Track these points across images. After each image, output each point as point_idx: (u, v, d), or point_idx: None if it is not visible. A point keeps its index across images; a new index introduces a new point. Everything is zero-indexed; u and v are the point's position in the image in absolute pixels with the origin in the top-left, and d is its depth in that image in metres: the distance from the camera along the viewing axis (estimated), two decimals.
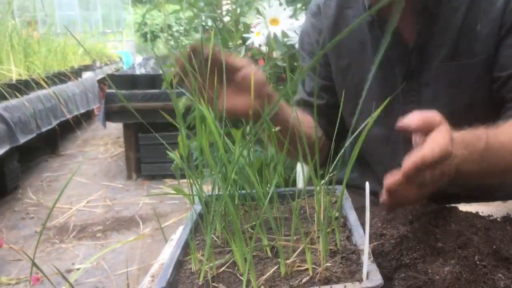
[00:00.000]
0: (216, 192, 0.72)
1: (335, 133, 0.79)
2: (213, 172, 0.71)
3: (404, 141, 1.04)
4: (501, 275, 0.59)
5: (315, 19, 1.15)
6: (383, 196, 0.75)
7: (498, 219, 0.79)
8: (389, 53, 1.05)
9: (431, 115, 0.75)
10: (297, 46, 1.27)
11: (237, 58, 0.85)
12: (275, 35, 1.20)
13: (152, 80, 4.28)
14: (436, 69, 1.02)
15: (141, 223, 3.30)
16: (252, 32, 1.34)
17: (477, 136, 0.80)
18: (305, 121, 1.01)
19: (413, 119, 0.74)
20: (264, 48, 1.53)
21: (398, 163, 1.06)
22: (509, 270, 0.61)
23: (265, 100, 0.79)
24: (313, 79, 1.17)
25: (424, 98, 1.04)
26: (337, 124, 0.77)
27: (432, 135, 0.73)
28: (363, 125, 0.68)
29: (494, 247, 0.65)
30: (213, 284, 0.63)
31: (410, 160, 0.70)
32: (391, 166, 1.07)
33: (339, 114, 0.81)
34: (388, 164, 1.08)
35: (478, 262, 0.61)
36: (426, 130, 0.73)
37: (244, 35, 1.53)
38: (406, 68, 1.04)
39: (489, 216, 0.80)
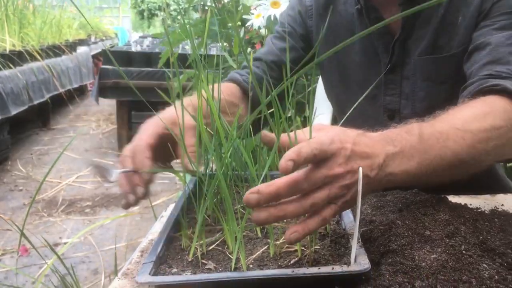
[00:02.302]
0: (209, 171, 0.72)
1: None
2: (202, 153, 0.71)
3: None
4: (485, 265, 0.60)
5: None
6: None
7: (486, 212, 0.80)
8: (374, 43, 1.05)
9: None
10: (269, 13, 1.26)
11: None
12: (275, 17, 1.19)
13: (148, 58, 4.24)
14: (415, 63, 1.02)
15: None
16: (252, 14, 1.34)
17: (407, 130, 0.69)
18: (225, 92, 0.91)
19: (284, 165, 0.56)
20: (263, 31, 1.52)
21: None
22: (494, 261, 0.62)
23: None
24: (273, 51, 1.13)
25: (404, 91, 1.05)
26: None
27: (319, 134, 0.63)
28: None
29: (481, 237, 0.66)
30: (203, 261, 0.64)
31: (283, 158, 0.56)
32: None
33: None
34: None
35: (464, 252, 0.62)
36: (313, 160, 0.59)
37: (244, 16, 1.52)
38: (389, 59, 1.04)
39: (477, 208, 0.81)
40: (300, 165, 0.56)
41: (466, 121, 0.73)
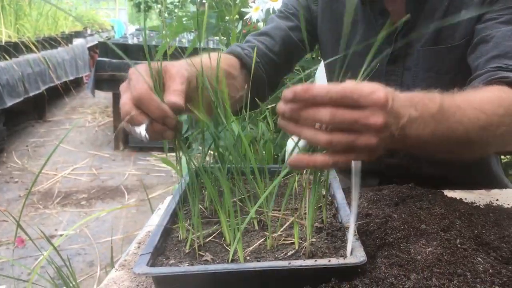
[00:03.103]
0: (206, 164, 0.72)
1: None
2: (200, 145, 0.72)
3: None
4: (480, 259, 0.61)
5: None
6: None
7: (481, 206, 0.81)
8: (378, 34, 1.05)
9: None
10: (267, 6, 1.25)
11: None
12: (274, 10, 1.19)
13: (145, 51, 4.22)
14: (417, 53, 1.03)
15: (126, 193, 3.30)
16: (250, 7, 1.33)
17: (430, 97, 0.69)
18: (224, 62, 0.91)
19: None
20: (261, 24, 1.51)
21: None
22: (488, 255, 0.63)
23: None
24: (281, 26, 1.12)
25: (405, 82, 1.06)
26: None
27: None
28: None
29: (476, 232, 0.67)
30: (200, 252, 0.64)
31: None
32: None
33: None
34: None
35: (459, 245, 0.63)
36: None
37: (242, 9, 1.52)
38: (392, 50, 1.05)
39: (472, 203, 0.82)
40: (323, 99, 0.55)
41: (482, 102, 0.74)
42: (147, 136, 0.65)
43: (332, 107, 0.54)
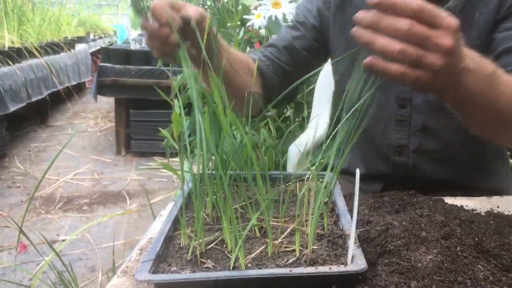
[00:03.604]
0: (207, 171, 0.73)
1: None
2: (201, 152, 0.72)
3: (396, 120, 1.06)
4: (480, 267, 0.61)
5: None
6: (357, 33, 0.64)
7: (482, 213, 0.81)
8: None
9: None
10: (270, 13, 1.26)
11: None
12: (276, 17, 1.20)
13: (147, 56, 4.24)
14: None
15: (128, 198, 3.31)
16: (252, 14, 1.34)
17: (486, 60, 0.74)
18: (241, 63, 1.00)
19: None
20: (263, 31, 1.52)
21: (388, 143, 1.08)
22: (489, 262, 0.63)
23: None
24: (285, 37, 1.15)
25: None
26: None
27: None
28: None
29: (476, 239, 0.67)
30: (201, 259, 0.65)
31: None
32: (382, 146, 1.10)
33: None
34: (380, 144, 1.10)
35: (459, 253, 0.63)
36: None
37: (244, 16, 1.53)
38: None
39: (473, 210, 0.82)
40: (405, 9, 0.59)
41: None
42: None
43: (410, 19, 0.59)
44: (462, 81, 0.67)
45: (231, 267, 0.61)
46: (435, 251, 0.63)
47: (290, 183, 0.83)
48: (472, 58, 0.69)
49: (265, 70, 1.07)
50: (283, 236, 0.68)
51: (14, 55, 4.10)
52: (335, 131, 0.80)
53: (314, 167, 0.78)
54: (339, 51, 1.15)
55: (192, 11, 0.77)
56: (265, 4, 1.20)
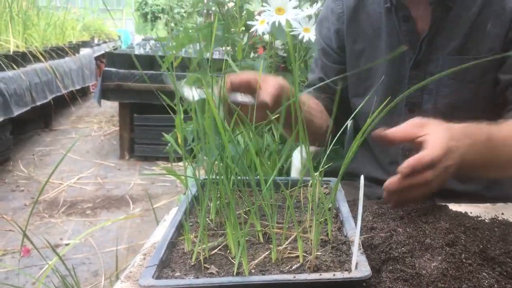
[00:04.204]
0: (211, 176, 0.73)
1: (334, 114, 0.81)
2: (205, 157, 0.72)
3: None
4: (485, 274, 0.61)
5: (334, 4, 1.19)
6: (384, 195, 0.79)
7: (486, 220, 0.80)
8: (401, 39, 1.08)
9: (411, 129, 0.80)
10: (300, 36, 1.29)
11: (267, 81, 0.87)
12: (279, 24, 1.20)
13: (151, 61, 4.25)
14: (443, 61, 1.05)
15: (131, 203, 3.31)
16: (256, 20, 1.35)
17: (480, 128, 0.84)
18: (315, 108, 1.11)
19: (396, 133, 0.80)
20: (267, 37, 1.52)
21: (401, 148, 1.09)
22: (494, 270, 0.62)
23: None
24: (325, 65, 1.22)
25: (429, 86, 1.07)
26: (336, 104, 0.75)
27: (429, 137, 0.76)
28: (368, 123, 0.69)
29: (481, 246, 0.67)
30: (205, 265, 0.65)
31: (406, 162, 0.74)
32: (394, 152, 1.10)
33: (340, 99, 0.86)
34: (387, 148, 1.11)
35: (464, 260, 0.62)
36: (409, 140, 0.80)
37: (248, 22, 1.53)
38: (415, 57, 1.07)
39: (477, 217, 0.82)
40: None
41: None
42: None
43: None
44: (463, 160, 0.78)
45: (234, 273, 0.61)
46: (439, 258, 0.62)
47: (294, 188, 0.83)
48: (467, 133, 0.80)
49: (328, 102, 1.18)
50: (287, 242, 0.68)
51: (19, 59, 4.11)
52: (337, 136, 0.80)
53: (318, 173, 0.78)
54: (350, 61, 1.18)
55: (271, 88, 0.83)
56: (269, 10, 1.21)
